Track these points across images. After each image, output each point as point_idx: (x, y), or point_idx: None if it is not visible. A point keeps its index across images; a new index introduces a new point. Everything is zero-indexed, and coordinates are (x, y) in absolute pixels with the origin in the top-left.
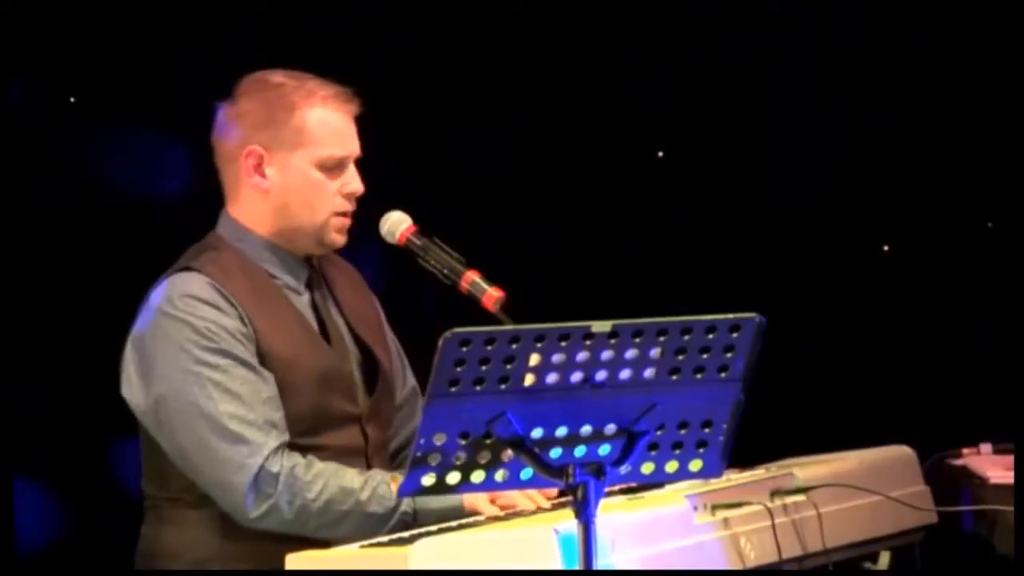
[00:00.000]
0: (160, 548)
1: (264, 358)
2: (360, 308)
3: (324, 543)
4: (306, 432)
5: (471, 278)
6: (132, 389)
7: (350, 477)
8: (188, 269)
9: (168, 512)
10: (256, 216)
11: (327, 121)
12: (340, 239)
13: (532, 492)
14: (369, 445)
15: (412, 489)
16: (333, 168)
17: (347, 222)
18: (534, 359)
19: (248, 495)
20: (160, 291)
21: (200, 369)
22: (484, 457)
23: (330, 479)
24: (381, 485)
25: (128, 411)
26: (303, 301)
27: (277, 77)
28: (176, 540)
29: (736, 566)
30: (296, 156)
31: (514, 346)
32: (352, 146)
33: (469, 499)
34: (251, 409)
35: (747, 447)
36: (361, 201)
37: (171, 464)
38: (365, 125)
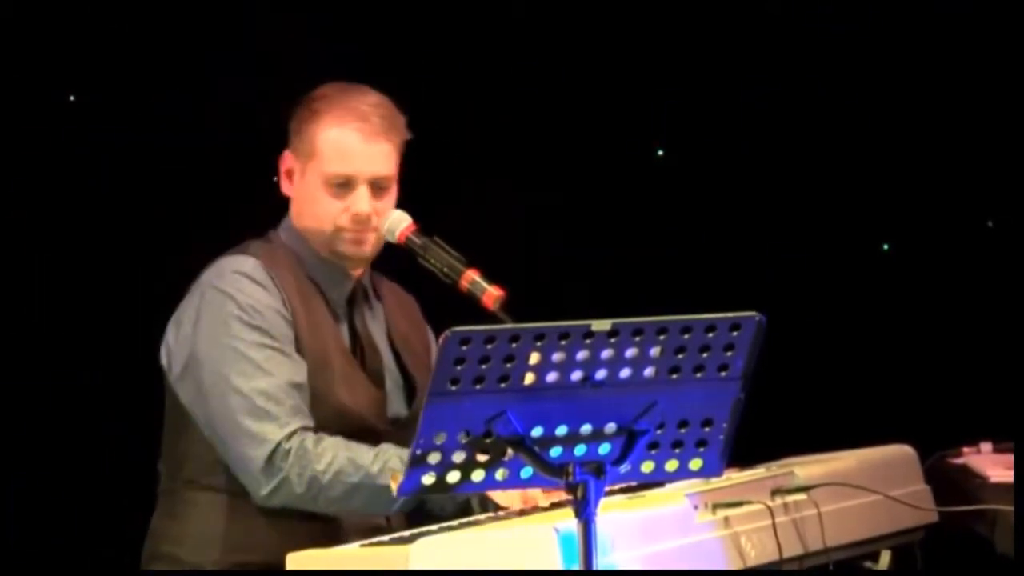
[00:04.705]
0: (167, 536)
1: (298, 350)
2: (410, 336)
3: (330, 538)
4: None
5: (471, 277)
6: (170, 355)
7: (361, 451)
8: (241, 252)
9: (178, 496)
10: (295, 219)
11: (337, 139)
12: (352, 249)
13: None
14: None
15: (412, 488)
16: (338, 186)
17: (358, 236)
18: (534, 358)
19: (262, 470)
20: (211, 268)
21: (237, 344)
22: (484, 456)
23: (340, 451)
24: (393, 459)
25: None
26: (339, 313)
27: (327, 89)
28: (182, 527)
29: (737, 565)
30: (309, 168)
31: (514, 345)
32: (359, 166)
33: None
34: (280, 389)
35: (747, 446)
36: None
37: (188, 446)
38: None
